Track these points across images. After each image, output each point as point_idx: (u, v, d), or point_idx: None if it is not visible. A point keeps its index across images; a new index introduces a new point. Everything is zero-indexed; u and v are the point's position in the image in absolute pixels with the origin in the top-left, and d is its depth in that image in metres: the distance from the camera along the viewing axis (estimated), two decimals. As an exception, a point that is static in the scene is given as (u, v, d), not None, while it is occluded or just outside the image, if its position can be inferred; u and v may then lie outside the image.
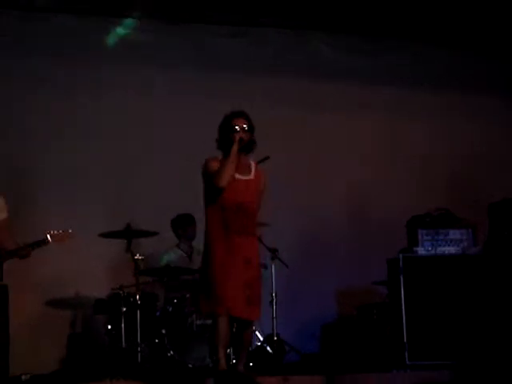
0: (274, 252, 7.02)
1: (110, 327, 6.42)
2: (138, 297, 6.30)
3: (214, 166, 5.35)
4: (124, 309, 6.30)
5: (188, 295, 6.52)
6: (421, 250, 6.87)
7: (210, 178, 5.32)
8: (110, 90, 7.63)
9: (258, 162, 5.90)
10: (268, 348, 6.73)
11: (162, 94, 7.79)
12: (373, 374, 5.97)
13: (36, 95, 7.43)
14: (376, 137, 8.35)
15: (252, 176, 5.51)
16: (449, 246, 6.90)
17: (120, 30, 7.71)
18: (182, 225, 7.20)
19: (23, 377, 5.87)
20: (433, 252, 6.85)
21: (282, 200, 7.79)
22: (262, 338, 6.81)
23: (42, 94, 7.44)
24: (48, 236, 5.62)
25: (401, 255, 6.82)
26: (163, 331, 6.34)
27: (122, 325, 6.27)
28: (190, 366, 6.27)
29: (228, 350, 6.24)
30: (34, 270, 7.02)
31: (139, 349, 6.16)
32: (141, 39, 7.80)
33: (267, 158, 6.04)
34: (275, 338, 6.84)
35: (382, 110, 8.37)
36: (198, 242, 6.86)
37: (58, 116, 7.46)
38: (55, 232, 5.63)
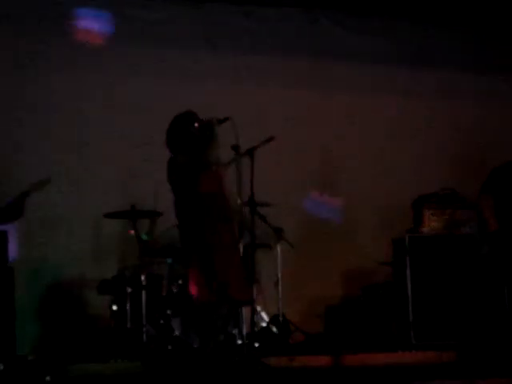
0: (279, 232, 7.00)
1: (115, 308, 6.41)
2: (143, 277, 6.29)
3: None
4: (129, 289, 6.29)
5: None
6: (426, 230, 6.85)
7: None
8: (121, 68, 7.58)
9: (262, 143, 5.91)
10: (274, 328, 6.73)
11: (175, 74, 7.72)
12: (379, 354, 5.97)
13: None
14: (386, 117, 8.31)
15: None
16: (455, 225, 6.88)
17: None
18: None
19: (29, 356, 5.87)
20: (439, 232, 6.84)
21: (289, 180, 7.79)
22: (267, 319, 6.80)
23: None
24: (29, 186, 5.65)
25: (407, 235, 6.81)
26: (168, 312, 6.33)
27: (128, 305, 6.26)
28: (195, 346, 6.27)
29: (234, 331, 6.25)
30: (40, 251, 7.04)
31: (144, 329, 6.16)
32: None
33: (272, 138, 6.02)
34: (281, 319, 6.83)
35: (395, 91, 8.33)
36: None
37: (61, 90, 7.40)
38: (35, 182, 5.65)
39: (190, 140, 5.76)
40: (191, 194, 5.55)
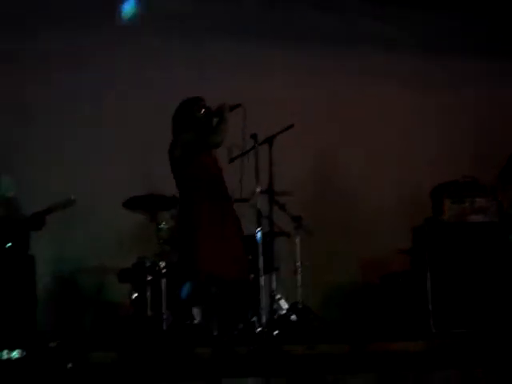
0: (297, 220, 7.00)
1: (135, 296, 6.45)
2: (162, 265, 6.32)
3: None
4: (149, 277, 6.33)
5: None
6: (446, 218, 6.83)
7: None
8: (137, 55, 7.59)
9: (281, 131, 5.94)
10: (293, 316, 6.74)
11: (192, 62, 7.72)
12: (398, 343, 5.96)
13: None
14: (409, 105, 8.29)
15: None
16: (475, 214, 6.85)
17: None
18: None
19: (51, 344, 5.91)
20: (458, 220, 6.81)
21: (308, 168, 7.80)
22: (286, 307, 6.81)
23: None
24: (52, 205, 5.67)
25: (426, 223, 6.79)
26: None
27: (148, 293, 6.30)
28: (215, 333, 6.30)
29: (253, 319, 6.27)
30: (60, 240, 7.09)
31: (164, 317, 6.19)
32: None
33: (291, 126, 6.03)
34: (300, 307, 6.84)
35: (418, 78, 8.30)
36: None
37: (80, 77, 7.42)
38: (57, 202, 5.68)
39: (193, 124, 5.79)
40: (183, 170, 5.64)
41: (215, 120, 5.86)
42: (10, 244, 5.69)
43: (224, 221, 5.74)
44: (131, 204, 6.56)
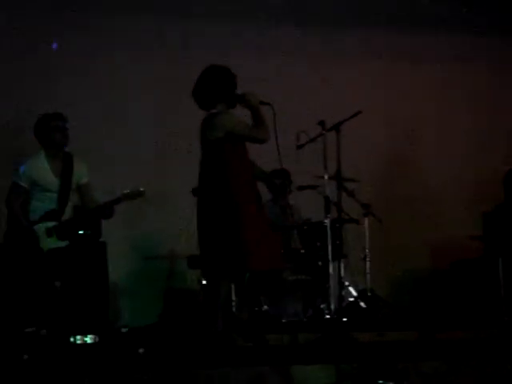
0: (366, 207, 6.96)
1: (204, 282, 6.52)
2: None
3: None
4: (218, 264, 6.37)
5: (282, 250, 6.54)
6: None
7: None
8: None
9: (349, 118, 5.92)
10: (362, 303, 6.72)
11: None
12: (469, 332, 5.89)
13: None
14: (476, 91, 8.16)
15: None
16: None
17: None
18: (277, 178, 7.16)
19: (122, 329, 6.03)
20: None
21: (376, 155, 7.75)
22: (355, 294, 6.80)
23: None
24: (122, 194, 5.74)
25: (498, 209, 6.68)
26: (257, 286, 6.40)
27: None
28: (284, 320, 6.33)
29: (322, 306, 6.27)
30: (132, 227, 7.20)
31: (233, 303, 6.24)
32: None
33: (359, 112, 6.02)
34: (369, 294, 6.82)
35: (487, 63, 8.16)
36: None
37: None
38: (128, 191, 5.74)
39: (230, 100, 5.10)
40: (222, 154, 5.00)
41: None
42: (82, 231, 5.80)
43: (262, 211, 5.21)
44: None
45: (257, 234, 4.98)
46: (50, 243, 5.63)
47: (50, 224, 5.65)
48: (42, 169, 5.74)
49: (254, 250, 4.95)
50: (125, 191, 5.70)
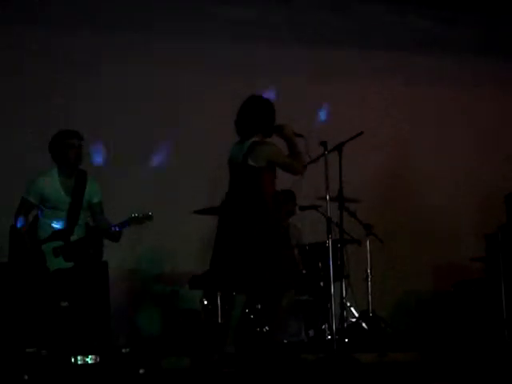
0: (368, 228, 6.96)
1: (206, 302, 6.51)
2: (233, 273, 6.34)
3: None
4: (220, 284, 6.36)
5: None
6: (520, 226, 6.70)
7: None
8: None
9: (350, 138, 5.92)
10: (363, 324, 6.70)
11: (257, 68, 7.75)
12: (471, 352, 5.87)
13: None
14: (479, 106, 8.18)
15: None
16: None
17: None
18: (284, 199, 7.17)
19: (123, 349, 6.01)
20: (533, 227, 6.68)
21: (378, 175, 7.75)
22: (357, 314, 6.78)
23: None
24: (129, 218, 5.72)
25: (500, 230, 6.67)
26: (258, 306, 6.38)
27: (218, 300, 6.34)
28: (285, 341, 6.31)
29: (324, 326, 6.25)
30: (133, 247, 7.19)
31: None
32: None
33: (361, 133, 6.03)
34: (370, 314, 6.80)
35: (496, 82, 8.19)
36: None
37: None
38: (136, 215, 5.73)
39: (269, 131, 5.38)
40: (260, 180, 5.29)
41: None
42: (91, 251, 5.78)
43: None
44: (202, 211, 6.61)
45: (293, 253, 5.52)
46: (57, 263, 5.61)
47: (58, 244, 5.64)
48: (52, 186, 5.70)
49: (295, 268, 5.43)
50: (133, 215, 5.70)
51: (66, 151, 5.71)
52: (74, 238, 5.69)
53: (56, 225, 5.67)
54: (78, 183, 5.75)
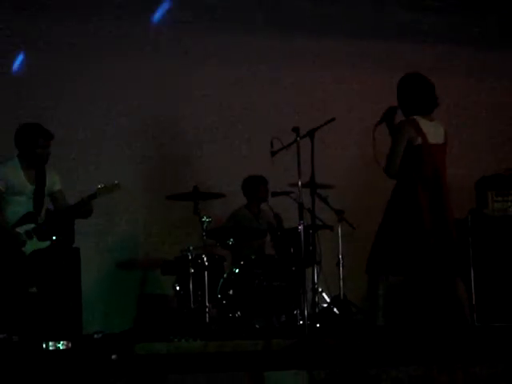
0: (340, 213, 7.00)
1: (178, 288, 6.51)
2: (205, 258, 6.37)
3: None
4: (192, 270, 6.38)
5: (254, 256, 6.57)
6: (490, 211, 6.77)
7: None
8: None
9: (323, 124, 5.94)
10: (335, 309, 6.75)
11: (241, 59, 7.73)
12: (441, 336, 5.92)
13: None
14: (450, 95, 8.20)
15: None
16: (519, 207, 6.79)
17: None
18: (256, 184, 7.19)
19: (95, 335, 6.01)
20: (502, 213, 6.74)
21: (352, 161, 7.79)
22: (328, 300, 6.82)
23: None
24: (97, 189, 5.74)
25: (469, 216, 6.73)
26: (230, 292, 6.41)
27: (190, 286, 6.35)
28: (257, 326, 6.33)
29: (295, 312, 6.28)
30: (104, 233, 7.19)
31: (207, 310, 6.24)
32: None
33: (332, 119, 6.03)
34: (342, 300, 6.84)
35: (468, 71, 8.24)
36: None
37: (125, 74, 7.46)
38: (103, 185, 5.74)
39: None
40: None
41: None
42: (54, 238, 5.78)
43: None
44: (175, 197, 6.61)
45: None
46: (32, 246, 5.61)
47: (29, 227, 5.64)
48: (16, 174, 5.72)
49: None
50: (100, 185, 5.71)
51: (37, 150, 5.73)
52: (41, 220, 5.72)
53: (23, 210, 5.67)
54: (38, 173, 5.79)
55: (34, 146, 5.72)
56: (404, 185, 5.38)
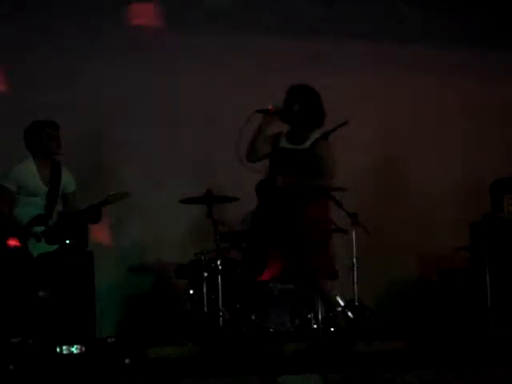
0: (354, 217, 6.95)
1: (191, 292, 6.51)
2: (219, 262, 6.36)
3: None
4: (205, 274, 6.37)
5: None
6: (505, 215, 6.72)
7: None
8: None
9: (336, 127, 5.91)
10: (349, 313, 6.71)
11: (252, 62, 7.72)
12: (456, 340, 5.90)
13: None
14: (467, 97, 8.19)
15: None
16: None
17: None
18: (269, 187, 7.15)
19: (109, 339, 6.01)
20: (518, 217, 6.70)
21: (365, 164, 7.76)
22: (343, 304, 6.78)
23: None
24: (107, 196, 5.75)
25: (485, 220, 6.69)
26: (244, 296, 6.38)
27: (204, 290, 6.34)
28: (271, 330, 6.31)
29: (309, 316, 6.26)
30: (118, 237, 7.19)
31: (221, 313, 6.23)
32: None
33: (346, 122, 5.99)
34: (356, 304, 6.81)
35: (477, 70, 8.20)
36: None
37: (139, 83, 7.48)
38: (113, 192, 5.75)
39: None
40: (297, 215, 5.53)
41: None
42: (68, 241, 5.78)
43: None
44: (188, 201, 6.61)
45: None
46: (40, 248, 5.62)
47: (39, 229, 5.64)
48: (31, 175, 5.72)
49: None
50: (110, 193, 5.72)
51: (47, 142, 5.71)
52: (51, 222, 5.73)
53: (34, 211, 5.68)
54: (54, 173, 5.76)
55: (41, 137, 5.72)
56: None
